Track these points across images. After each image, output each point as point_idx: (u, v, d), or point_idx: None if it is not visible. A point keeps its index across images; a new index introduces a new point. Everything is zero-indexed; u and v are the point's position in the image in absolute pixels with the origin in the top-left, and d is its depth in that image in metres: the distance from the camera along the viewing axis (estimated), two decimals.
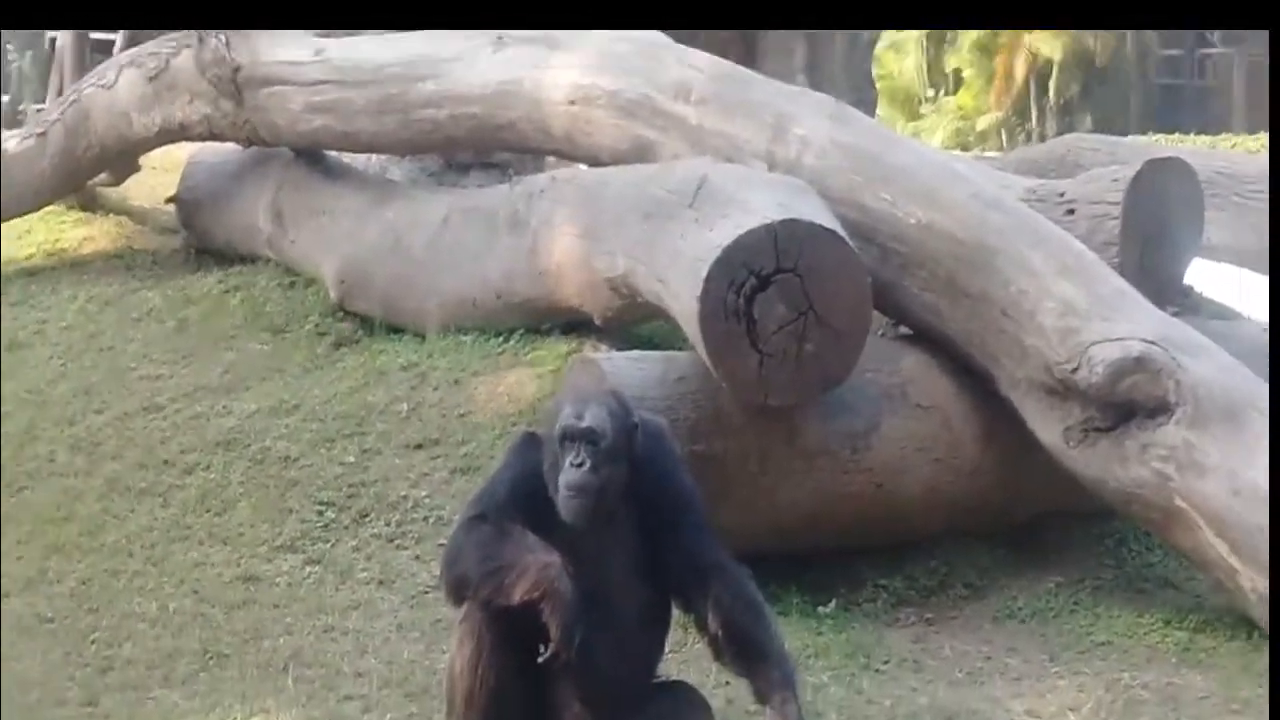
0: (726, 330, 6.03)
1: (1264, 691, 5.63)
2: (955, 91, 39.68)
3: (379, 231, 8.87)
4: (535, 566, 4.72)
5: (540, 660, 4.69)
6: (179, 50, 9.66)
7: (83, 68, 11.99)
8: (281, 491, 7.19)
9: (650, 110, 7.62)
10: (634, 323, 7.70)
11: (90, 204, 11.39)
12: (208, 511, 7.15)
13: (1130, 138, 19.68)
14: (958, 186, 6.77)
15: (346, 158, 9.84)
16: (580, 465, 4.79)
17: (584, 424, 4.83)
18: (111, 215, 11.35)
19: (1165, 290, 7.29)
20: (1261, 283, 9.40)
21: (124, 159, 10.68)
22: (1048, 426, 6.33)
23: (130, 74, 9.89)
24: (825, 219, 6.24)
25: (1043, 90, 37.38)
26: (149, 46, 10.08)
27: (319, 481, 7.22)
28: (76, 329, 9.41)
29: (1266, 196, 9.24)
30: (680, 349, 6.82)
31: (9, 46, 23.58)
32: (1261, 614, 5.83)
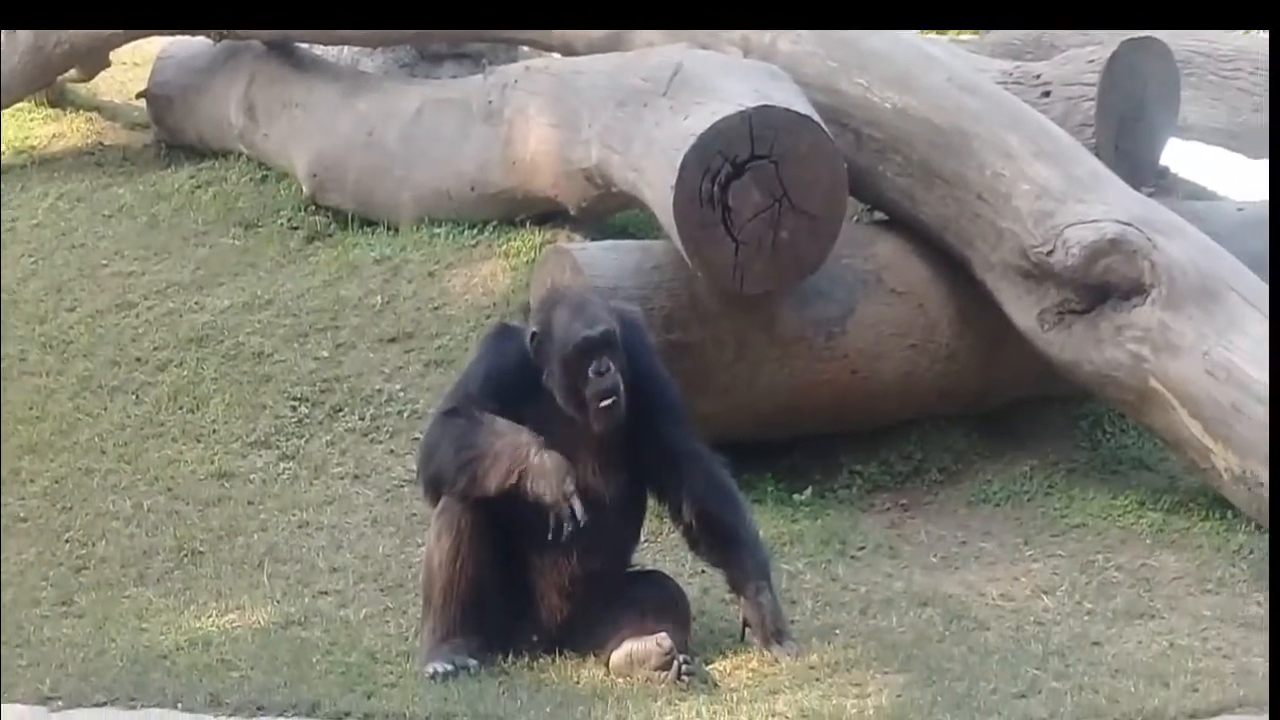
0: (701, 218, 5.99)
1: (1237, 570, 5.69)
2: None
3: (351, 124, 8.79)
4: (509, 449, 4.74)
5: (550, 533, 4.69)
6: None
7: None
8: (255, 387, 7.16)
9: None
10: (609, 213, 7.67)
11: (59, 100, 11.27)
12: (180, 408, 7.12)
13: None
14: (933, 70, 6.72)
15: (318, 50, 9.74)
16: (605, 371, 4.79)
17: (599, 330, 4.84)
18: (81, 111, 11.22)
19: (1141, 171, 7.25)
20: (1236, 162, 9.37)
21: (93, 54, 10.55)
22: (1023, 310, 6.31)
23: None
24: (800, 105, 6.19)
25: None
26: None
27: (292, 377, 7.19)
28: (47, 226, 9.33)
29: (1242, 74, 9.20)
30: (655, 238, 6.79)
31: None
32: (1234, 493, 5.82)
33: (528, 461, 4.73)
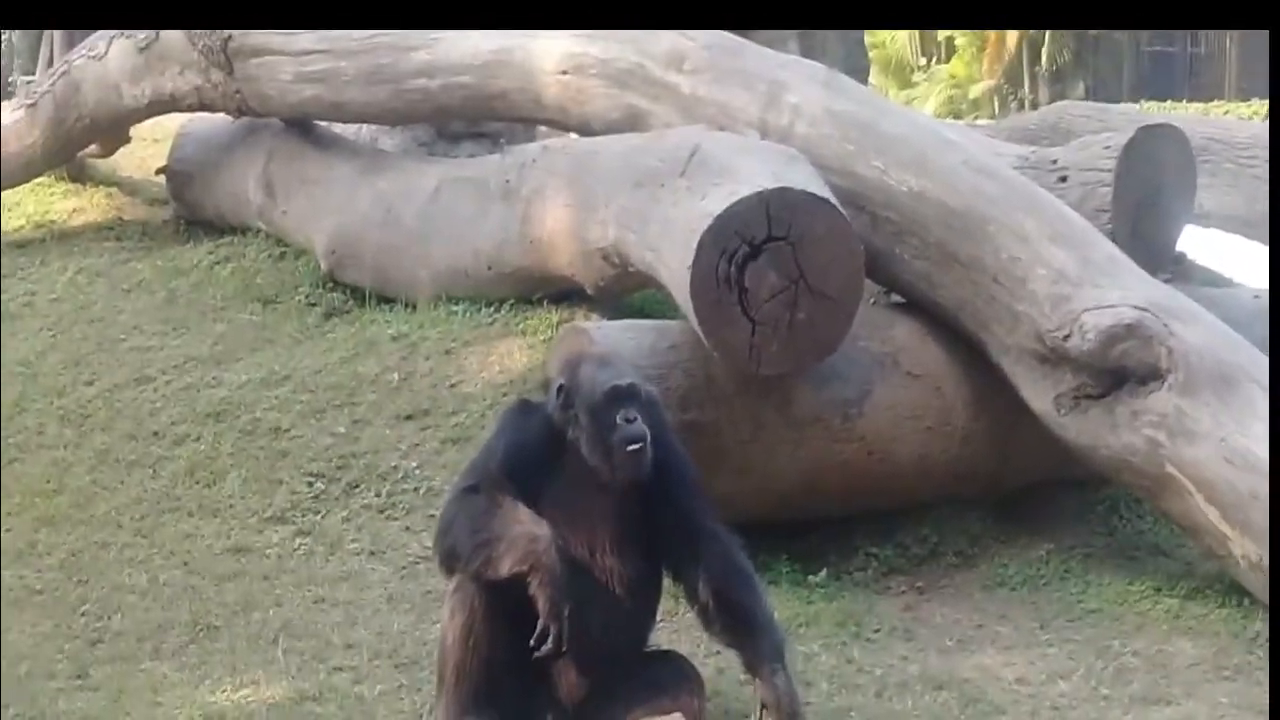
0: (718, 299, 6.01)
1: (1255, 658, 5.65)
2: (948, 59, 39.64)
3: (370, 202, 8.85)
4: (524, 539, 4.72)
5: (533, 638, 4.69)
6: None
7: (73, 39, 11.93)
8: (271, 463, 7.18)
9: (642, 79, 7.60)
10: (626, 292, 7.69)
11: (80, 175, 11.37)
12: (197, 483, 7.15)
13: (1122, 105, 19.65)
14: (949, 154, 6.75)
15: (337, 128, 9.81)
16: (634, 420, 4.81)
17: (628, 381, 4.90)
18: (101, 187, 11.33)
19: (1158, 257, 7.28)
20: (1252, 249, 9.39)
21: (114, 130, 10.65)
22: (1039, 394, 6.32)
23: (120, 45, 9.85)
24: (817, 187, 6.21)
25: (1035, 58, 37.34)
26: None
27: (309, 452, 7.21)
28: (66, 300, 9.40)
29: (1258, 162, 9.23)
30: (672, 318, 6.81)
31: None
32: (1251, 581, 5.83)
33: (539, 558, 4.73)
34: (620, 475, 4.87)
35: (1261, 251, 9.23)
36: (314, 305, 8.80)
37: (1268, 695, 5.17)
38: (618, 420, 4.84)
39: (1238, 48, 36.72)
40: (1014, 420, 6.53)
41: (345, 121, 9.66)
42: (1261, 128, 10.42)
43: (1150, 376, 6.00)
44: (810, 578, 6.44)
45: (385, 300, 8.59)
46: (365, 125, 9.97)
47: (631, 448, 4.84)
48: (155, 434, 7.58)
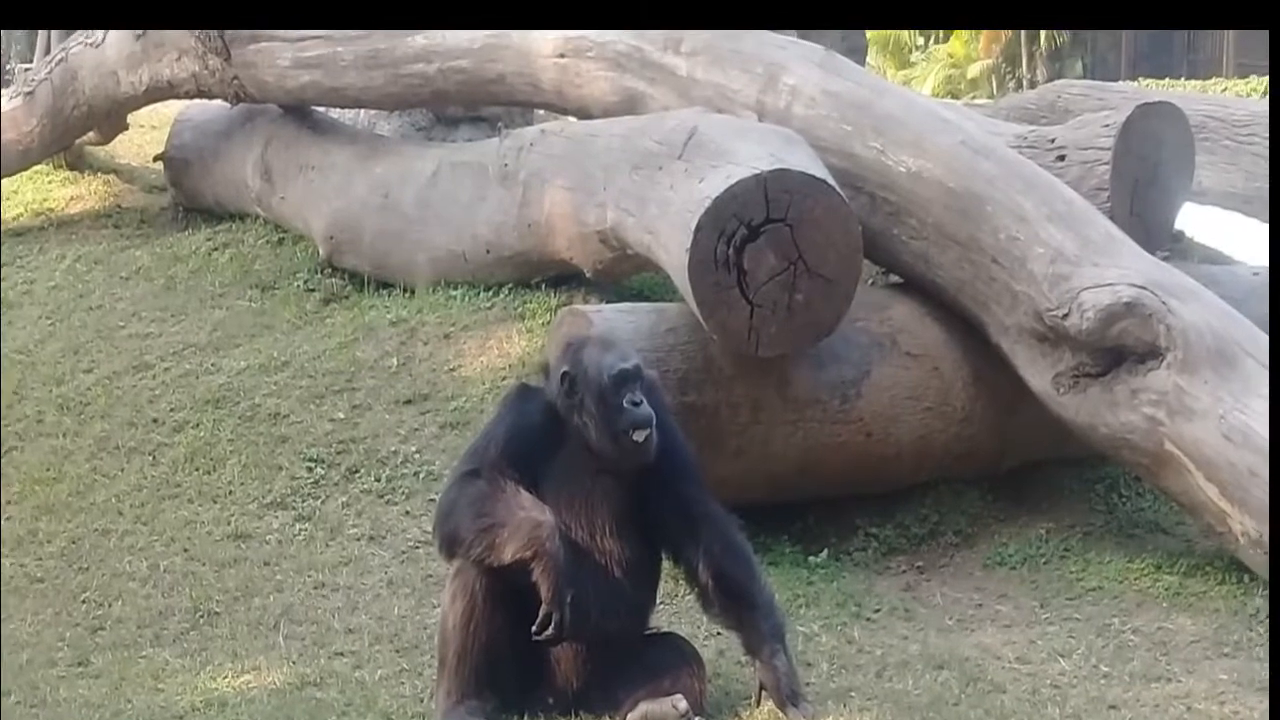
0: (716, 281, 6.01)
1: (1255, 634, 5.66)
2: (945, 39, 39.56)
3: (368, 187, 8.85)
4: (527, 525, 4.72)
5: (535, 624, 4.69)
6: None
7: None
8: (271, 448, 7.18)
9: (640, 62, 7.59)
10: (624, 275, 7.69)
11: (78, 163, 11.37)
12: (197, 469, 7.15)
13: (1120, 83, 19.61)
14: (947, 134, 6.74)
15: (335, 113, 9.81)
16: (640, 403, 4.82)
17: (632, 363, 4.92)
18: (99, 174, 11.34)
19: (1156, 235, 7.26)
20: (1250, 226, 9.37)
21: (112, 117, 10.65)
22: (1038, 373, 6.32)
23: (118, 32, 9.85)
24: (815, 168, 6.21)
25: (1032, 37, 37.26)
26: None
27: (308, 438, 7.21)
28: (64, 288, 9.40)
29: (1256, 139, 9.21)
30: (670, 301, 6.81)
31: None
32: (1251, 557, 5.84)
33: (541, 544, 4.73)
34: (629, 460, 4.88)
35: (1260, 228, 9.22)
36: (312, 291, 8.80)
37: (1268, 671, 5.18)
38: (624, 404, 4.84)
39: None
40: (1013, 399, 6.54)
41: (343, 107, 9.66)
42: (1259, 105, 10.38)
43: (1149, 354, 6.00)
44: (810, 558, 6.45)
45: (384, 285, 8.59)
46: (363, 110, 9.96)
47: (639, 432, 4.85)
48: (154, 421, 7.58)
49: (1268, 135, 9.18)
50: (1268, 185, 8.68)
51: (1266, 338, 6.02)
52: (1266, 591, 5.81)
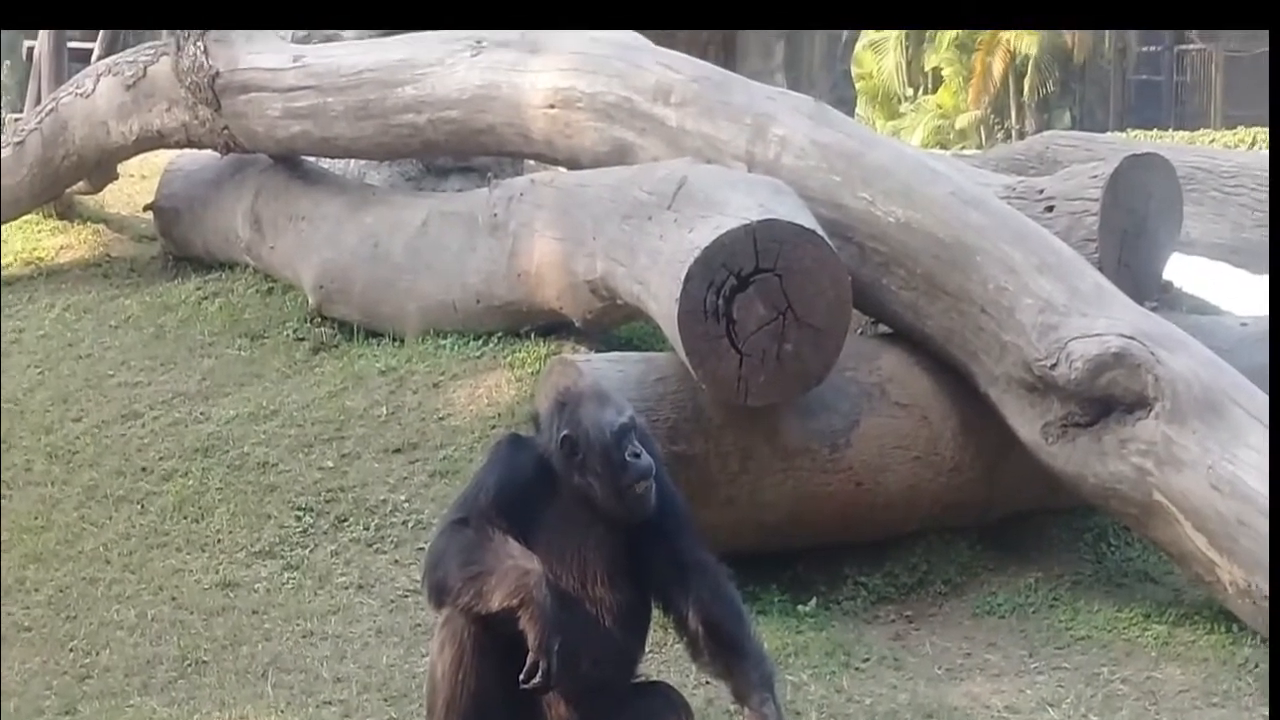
0: (706, 330, 6.02)
1: (1243, 684, 5.66)
2: (934, 90, 39.73)
3: (358, 237, 8.86)
4: (514, 574, 4.71)
5: (523, 673, 4.68)
6: (156, 58, 9.66)
7: (60, 76, 11.97)
8: (260, 497, 7.18)
9: (629, 112, 7.61)
10: (614, 324, 7.70)
11: (68, 212, 11.39)
12: (185, 518, 7.13)
13: (1109, 134, 19.73)
14: (936, 185, 6.76)
15: (325, 163, 9.83)
16: (640, 454, 4.82)
17: (629, 416, 4.91)
18: (89, 223, 11.35)
19: (1144, 286, 7.29)
20: (1238, 277, 9.41)
21: (102, 167, 10.67)
22: (1027, 423, 6.33)
23: (108, 82, 9.88)
24: (804, 219, 6.23)
25: (1021, 88, 37.43)
26: (126, 55, 10.10)
27: (297, 487, 7.21)
28: (54, 337, 9.40)
29: (1244, 190, 9.25)
30: (660, 350, 6.82)
31: None
32: (1240, 607, 5.84)
33: (529, 593, 4.72)
34: (633, 512, 4.87)
35: (1247, 279, 9.26)
36: (302, 340, 8.80)
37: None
38: (626, 458, 4.84)
39: (1223, 76, 36.84)
40: (1002, 449, 6.54)
41: (333, 157, 9.67)
42: (1247, 157, 10.46)
43: (1137, 405, 6.01)
44: (799, 607, 6.45)
45: (373, 334, 8.60)
46: (353, 161, 9.98)
47: (642, 484, 4.85)
48: (143, 469, 7.57)
49: (1256, 183, 9.21)
50: (1263, 234, 8.73)
51: (1255, 388, 6.03)
52: (1255, 641, 5.82)
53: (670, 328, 6.17)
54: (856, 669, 5.93)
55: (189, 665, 6.03)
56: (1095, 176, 7.44)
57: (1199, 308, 8.80)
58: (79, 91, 10.09)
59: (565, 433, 4.90)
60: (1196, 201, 8.91)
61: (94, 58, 11.84)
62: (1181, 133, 28.41)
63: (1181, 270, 8.76)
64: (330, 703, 5.66)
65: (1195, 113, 36.35)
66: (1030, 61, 37.04)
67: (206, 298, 9.58)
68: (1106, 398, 6.07)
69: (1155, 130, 29.39)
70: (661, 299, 6.25)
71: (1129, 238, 7.39)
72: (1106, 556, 6.85)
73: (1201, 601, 6.21)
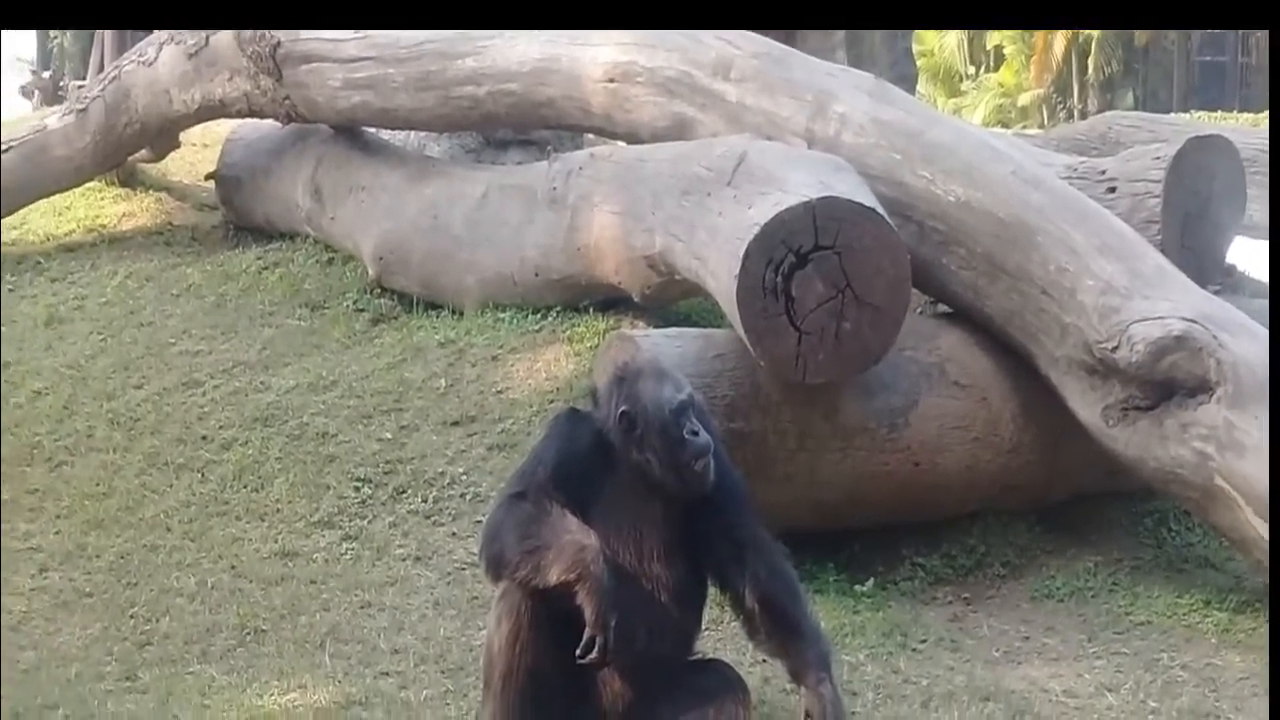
0: (764, 308, 6.01)
1: None
2: (996, 68, 39.56)
3: (417, 208, 8.88)
4: (572, 548, 4.72)
5: (579, 648, 4.69)
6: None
7: (123, 44, 12.02)
8: (319, 467, 7.21)
9: (690, 87, 7.61)
10: (672, 300, 7.70)
11: (130, 180, 11.45)
12: (245, 487, 7.18)
13: (1172, 115, 19.57)
14: (997, 164, 6.73)
15: (385, 134, 9.85)
16: (698, 431, 4.83)
17: (688, 393, 4.93)
18: (151, 191, 11.41)
19: (1207, 268, 7.24)
20: None
21: (164, 135, 10.73)
22: (1087, 405, 6.30)
23: (171, 50, 9.94)
24: (864, 197, 6.21)
25: (1083, 67, 37.24)
26: None
27: (356, 458, 7.24)
28: (116, 304, 9.46)
29: None
30: (718, 326, 6.81)
31: None
32: None
33: (586, 568, 4.73)
34: (692, 488, 4.88)
35: None
36: (361, 311, 8.84)
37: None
38: (685, 435, 4.85)
39: None
40: (1062, 431, 6.52)
41: (393, 128, 9.69)
42: None
43: (1199, 388, 5.97)
44: (856, 587, 6.44)
45: (432, 307, 8.63)
46: (413, 133, 10.00)
47: (701, 462, 4.85)
48: (203, 438, 7.62)
49: (1269, 149, 9.12)
50: (1269, 202, 8.64)
51: None
52: None
53: (729, 304, 6.16)
54: (913, 650, 5.92)
55: (248, 634, 6.07)
56: (1158, 158, 7.39)
57: (1262, 291, 8.72)
58: (141, 60, 10.14)
59: (623, 408, 4.91)
60: (1260, 184, 8.81)
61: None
62: (1246, 115, 28.16)
63: (1245, 254, 8.69)
64: (388, 674, 5.69)
65: (1260, 95, 36.05)
66: (1093, 41, 36.85)
67: (267, 267, 9.63)
68: (1168, 381, 6.04)
69: (1219, 112, 29.15)
70: (720, 275, 6.24)
71: (1191, 220, 7.35)
72: (1167, 541, 6.82)
73: (1262, 588, 6.14)
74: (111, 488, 7.31)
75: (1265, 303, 7.68)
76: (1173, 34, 37.55)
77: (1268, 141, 9.67)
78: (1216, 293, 6.66)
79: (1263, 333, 6.10)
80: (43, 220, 10.98)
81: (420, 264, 8.77)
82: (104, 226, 10.96)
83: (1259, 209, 8.53)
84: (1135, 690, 5.56)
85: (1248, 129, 14.82)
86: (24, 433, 7.89)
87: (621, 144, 8.30)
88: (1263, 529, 5.78)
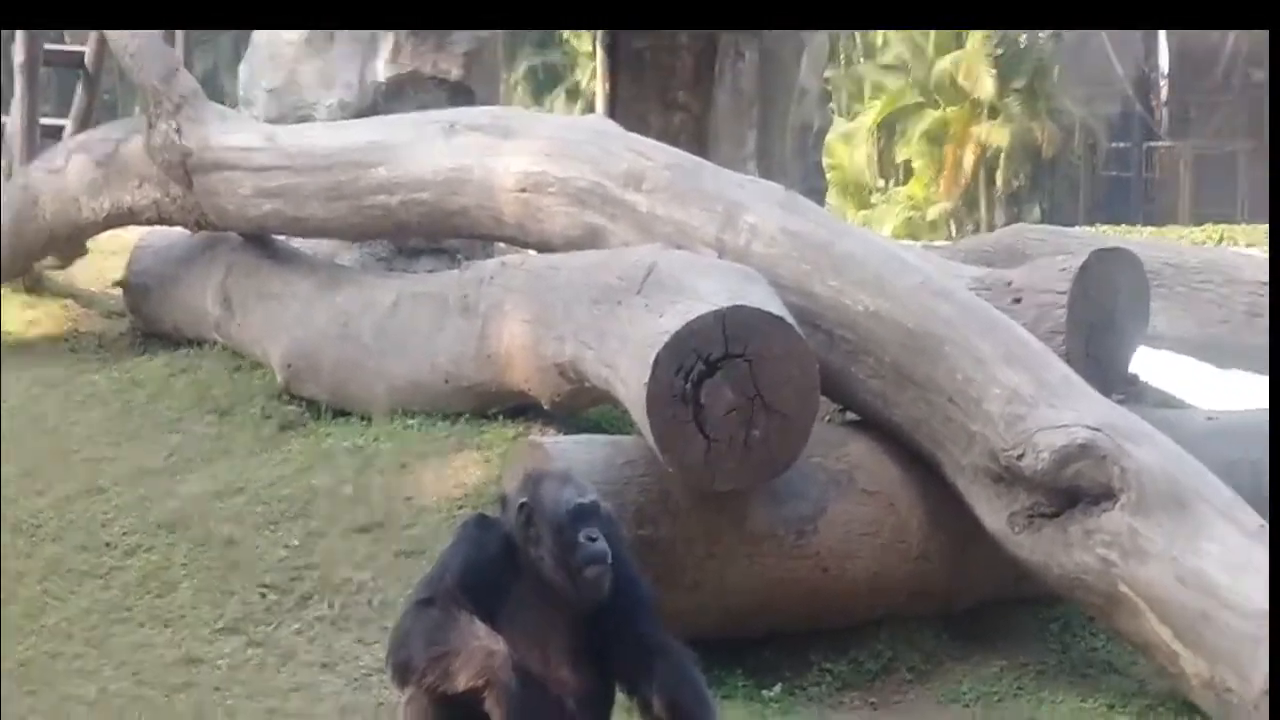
0: (674, 415, 6.04)
1: None
2: (905, 182, 40.00)
3: (328, 316, 8.86)
4: (480, 654, 4.70)
5: None
6: (128, 135, 9.70)
7: (31, 152, 11.96)
8: (224, 573, 7.14)
9: (601, 198, 7.65)
10: (582, 407, 7.71)
11: (36, 286, 11.35)
12: (149, 594, 7.09)
13: (1077, 228, 19.85)
14: (906, 275, 6.80)
15: (296, 242, 9.84)
16: (596, 539, 4.82)
17: (589, 499, 4.90)
18: (58, 298, 11.31)
19: (1111, 378, 7.33)
20: (1204, 371, 9.47)
21: (72, 242, 10.66)
22: (993, 512, 6.35)
23: (79, 159, 9.91)
24: (774, 306, 6.26)
25: (991, 181, 37.73)
26: (98, 132, 10.15)
27: (262, 564, 7.17)
28: (20, 412, 9.34)
29: (1210, 286, 9.33)
30: (628, 433, 6.82)
31: None
32: (1203, 699, 5.83)
33: (494, 673, 4.71)
34: (584, 595, 4.87)
35: (1213, 373, 9.32)
36: (269, 418, 8.78)
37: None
38: (580, 539, 4.84)
39: (1192, 173, 37.23)
40: (968, 538, 6.55)
41: (304, 236, 9.67)
42: (1214, 253, 10.56)
43: (1103, 496, 6.03)
44: (764, 693, 6.43)
45: (341, 413, 8.59)
46: (324, 240, 9.99)
47: (594, 568, 4.84)
48: (107, 544, 7.52)
49: (1224, 279, 9.28)
50: (1229, 331, 8.78)
51: (1220, 482, 6.05)
52: None
53: (638, 412, 6.18)
54: None
55: None
56: (1064, 269, 7.50)
57: (1165, 401, 8.84)
58: (50, 168, 10.11)
59: (523, 500, 4.92)
60: (1164, 296, 8.97)
61: (65, 134, 11.86)
62: (1150, 229, 28.64)
63: (1148, 364, 8.80)
64: None
65: (1164, 209, 36.72)
66: (1001, 155, 37.36)
67: (174, 374, 9.55)
68: (1073, 489, 6.09)
69: (1124, 226, 29.64)
70: (630, 383, 6.27)
71: (1096, 330, 7.45)
72: (1072, 646, 6.85)
73: (1165, 693, 6.21)
74: (13, 594, 7.18)
75: (1169, 413, 7.79)
76: (1078, 149, 38.13)
77: (1177, 255, 9.84)
78: (1121, 402, 6.74)
79: (1166, 441, 6.18)
80: None
81: (330, 371, 8.74)
82: (9, 333, 10.84)
83: (1162, 320, 8.66)
84: None
85: (1151, 242, 15.07)
86: None
87: (533, 253, 8.33)
88: (1166, 634, 5.83)
